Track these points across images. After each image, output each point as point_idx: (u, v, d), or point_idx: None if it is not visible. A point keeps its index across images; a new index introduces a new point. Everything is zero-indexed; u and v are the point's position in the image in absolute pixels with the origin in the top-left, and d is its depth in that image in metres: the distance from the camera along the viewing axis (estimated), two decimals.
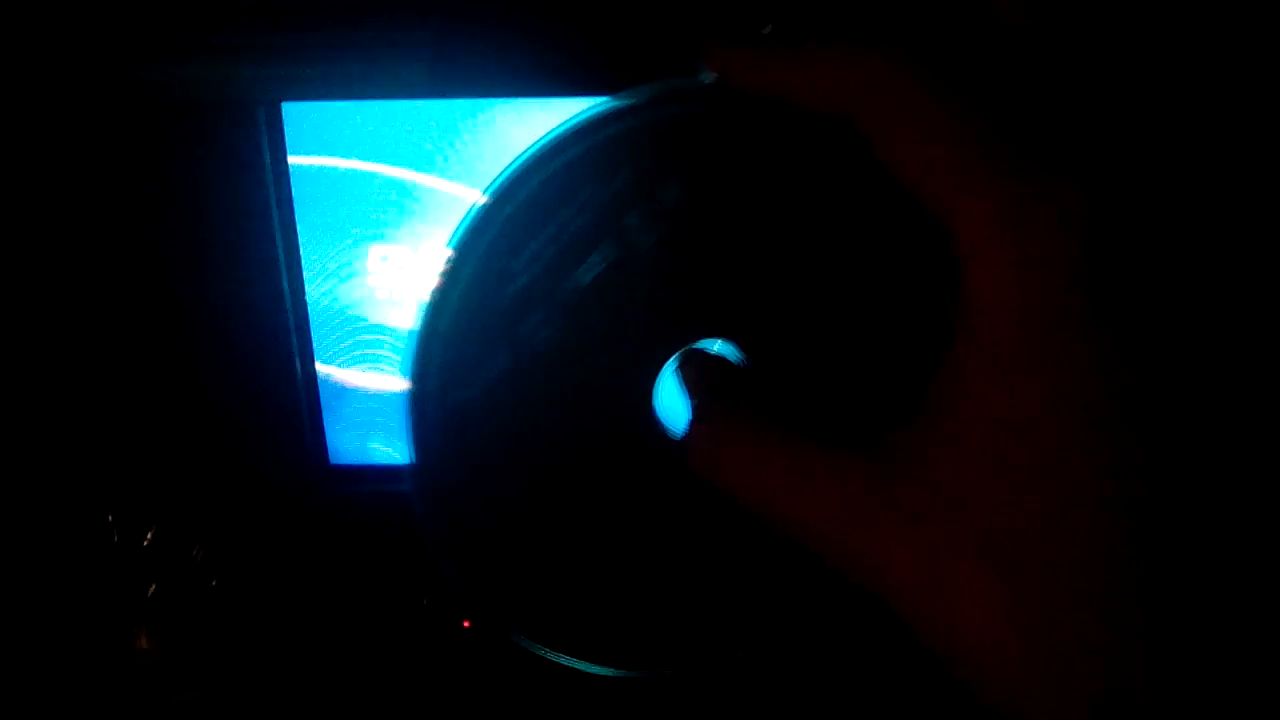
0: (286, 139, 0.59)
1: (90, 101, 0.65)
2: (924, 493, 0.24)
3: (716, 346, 0.30)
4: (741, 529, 0.29)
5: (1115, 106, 0.25)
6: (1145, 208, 0.23)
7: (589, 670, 0.32)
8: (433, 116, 0.59)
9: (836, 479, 0.26)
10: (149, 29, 0.57)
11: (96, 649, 0.73)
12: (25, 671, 0.73)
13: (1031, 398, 0.23)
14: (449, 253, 0.29)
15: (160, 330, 0.63)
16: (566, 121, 0.29)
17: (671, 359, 0.30)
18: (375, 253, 0.62)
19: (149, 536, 0.72)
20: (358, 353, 0.66)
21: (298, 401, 0.66)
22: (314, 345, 0.65)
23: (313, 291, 0.63)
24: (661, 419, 0.31)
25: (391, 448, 0.69)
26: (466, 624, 0.74)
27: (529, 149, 0.29)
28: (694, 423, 0.29)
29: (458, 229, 0.29)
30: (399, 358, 0.32)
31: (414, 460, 0.31)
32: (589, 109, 0.29)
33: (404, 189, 0.60)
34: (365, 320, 0.64)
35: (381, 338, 0.65)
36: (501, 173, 0.29)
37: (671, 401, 0.30)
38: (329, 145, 0.60)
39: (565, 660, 0.32)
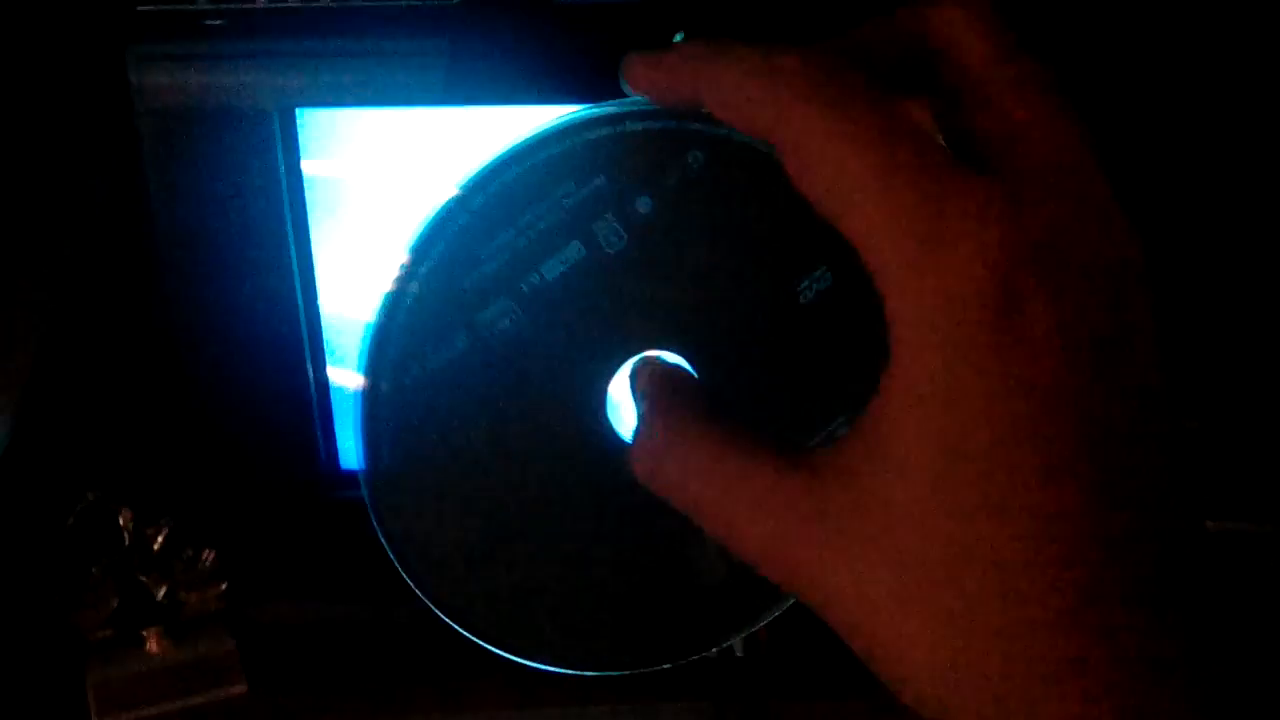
0: (300, 145, 0.59)
1: (103, 107, 0.66)
2: (852, 508, 0.25)
3: (671, 357, 0.31)
4: (691, 530, 0.29)
5: (1030, 137, 0.26)
6: (1058, 237, 0.24)
7: (533, 667, 0.33)
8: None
9: (771, 492, 0.26)
10: (163, 35, 0.57)
11: (105, 652, 0.73)
12: (32, 673, 0.73)
13: (950, 421, 0.24)
14: (409, 247, 0.30)
15: (172, 334, 0.63)
16: (551, 121, 0.30)
17: (627, 364, 0.31)
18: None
19: (160, 540, 0.72)
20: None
21: (309, 406, 0.66)
22: (325, 350, 0.65)
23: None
24: (613, 422, 0.31)
25: None
26: None
27: (509, 145, 0.30)
28: (638, 430, 0.30)
29: (424, 220, 0.30)
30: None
31: (364, 457, 0.31)
32: (575, 111, 0.30)
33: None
34: None
35: None
36: (478, 165, 0.30)
37: (625, 406, 0.31)
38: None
39: (502, 654, 0.33)
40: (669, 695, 0.74)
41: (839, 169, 0.24)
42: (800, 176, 0.25)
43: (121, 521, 0.71)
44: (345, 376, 0.30)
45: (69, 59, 0.74)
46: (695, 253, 0.30)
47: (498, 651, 0.33)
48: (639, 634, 0.33)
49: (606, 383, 0.31)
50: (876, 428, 0.25)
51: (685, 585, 0.32)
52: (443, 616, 0.32)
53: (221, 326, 0.63)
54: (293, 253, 0.61)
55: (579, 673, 0.33)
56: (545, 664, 0.33)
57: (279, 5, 0.57)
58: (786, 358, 0.31)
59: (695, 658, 0.33)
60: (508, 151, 0.30)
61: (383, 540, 0.31)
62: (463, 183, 0.30)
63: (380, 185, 0.61)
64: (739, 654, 0.74)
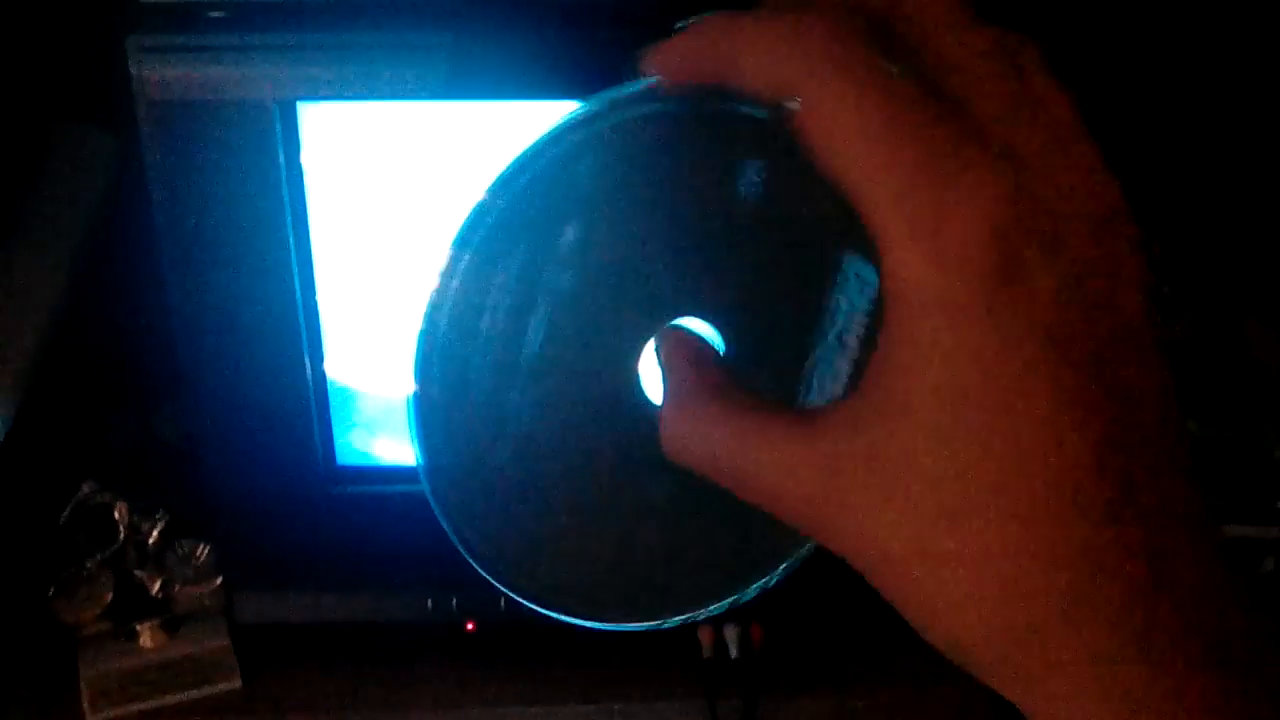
0: (301, 138, 0.59)
1: (101, 102, 0.66)
2: (866, 462, 0.26)
3: (697, 325, 0.32)
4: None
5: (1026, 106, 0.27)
6: (1052, 199, 0.25)
7: (594, 627, 0.34)
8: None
9: (789, 455, 0.28)
10: (164, 26, 0.57)
11: (99, 646, 0.73)
12: (25, 667, 0.73)
13: (955, 373, 0.25)
14: (447, 251, 0.31)
15: (170, 326, 0.63)
16: (578, 108, 0.30)
17: (654, 337, 0.32)
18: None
19: (155, 534, 0.72)
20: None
21: (306, 402, 0.66)
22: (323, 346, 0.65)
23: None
24: (647, 394, 0.32)
25: (399, 449, 0.69)
26: (471, 626, 0.74)
27: (537, 138, 0.31)
28: (664, 405, 0.31)
29: (460, 227, 0.31)
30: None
31: (423, 458, 0.32)
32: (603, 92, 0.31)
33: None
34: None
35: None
36: (508, 160, 0.31)
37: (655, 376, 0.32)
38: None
39: (573, 620, 0.34)
40: (664, 694, 0.74)
41: (850, 139, 0.26)
42: (814, 143, 0.26)
43: (117, 515, 0.71)
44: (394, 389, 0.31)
45: (70, 49, 0.74)
46: (698, 224, 0.31)
47: (566, 619, 0.34)
48: (681, 586, 0.34)
49: (639, 353, 0.32)
50: (882, 383, 0.26)
51: (721, 536, 0.34)
52: (518, 598, 0.33)
53: (220, 319, 0.63)
54: (292, 245, 0.61)
55: (622, 627, 0.34)
56: (611, 623, 0.34)
57: None
58: (790, 311, 0.32)
59: (726, 604, 0.34)
60: (535, 144, 0.31)
61: (450, 533, 0.32)
62: (494, 181, 0.31)
63: (381, 178, 0.61)
64: (733, 654, 0.74)
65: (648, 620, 0.34)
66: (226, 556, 0.73)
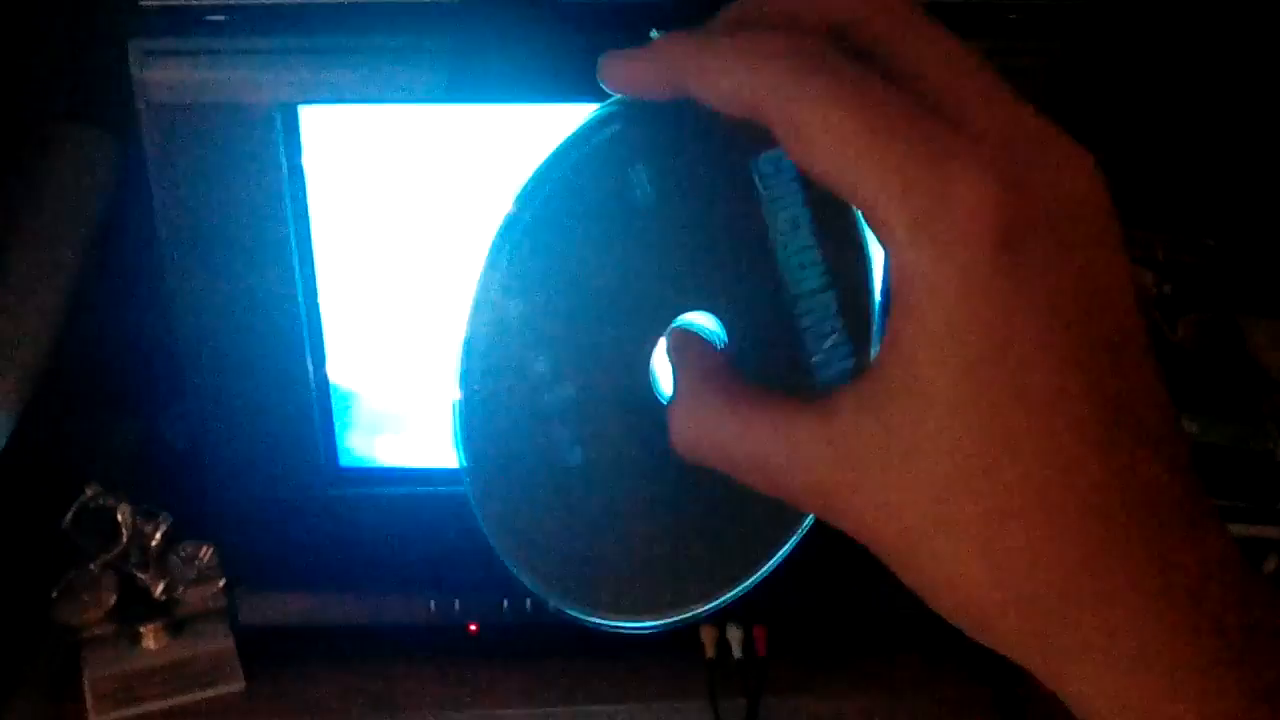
0: (302, 142, 0.60)
1: (104, 106, 0.66)
2: (879, 442, 0.27)
3: (704, 320, 0.33)
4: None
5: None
6: (1041, 185, 0.26)
7: (622, 629, 0.35)
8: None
9: (801, 442, 0.29)
10: (166, 30, 0.57)
11: (102, 648, 0.73)
12: (29, 669, 0.73)
13: (964, 352, 0.26)
14: (484, 259, 0.32)
15: (172, 331, 0.63)
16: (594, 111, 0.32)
17: (664, 336, 0.33)
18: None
19: (158, 536, 0.72)
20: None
21: (309, 404, 0.66)
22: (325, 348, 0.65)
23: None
24: (659, 392, 0.33)
25: (400, 451, 0.69)
26: (473, 628, 0.74)
27: (552, 149, 0.32)
28: (672, 405, 0.32)
29: (493, 236, 0.32)
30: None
31: (466, 461, 0.33)
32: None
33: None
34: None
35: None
36: (531, 169, 0.32)
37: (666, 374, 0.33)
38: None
39: (605, 624, 0.34)
40: (668, 695, 0.75)
41: (840, 142, 0.26)
42: (802, 154, 0.27)
43: (120, 518, 0.71)
44: (445, 389, 0.33)
45: (72, 53, 0.75)
46: (721, 219, 0.32)
47: (598, 622, 0.35)
48: (699, 581, 0.35)
49: (651, 352, 0.33)
50: (892, 367, 0.27)
51: (725, 531, 0.35)
52: (552, 601, 0.34)
53: (222, 322, 0.63)
54: (293, 248, 0.61)
55: (651, 626, 0.35)
56: (626, 623, 0.35)
57: (282, 2, 0.57)
58: (796, 303, 0.32)
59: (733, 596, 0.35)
60: (559, 148, 0.32)
61: (487, 535, 0.34)
62: (519, 191, 0.32)
63: (382, 182, 0.61)
64: (737, 655, 0.74)
65: (669, 617, 0.35)
66: (229, 559, 0.73)
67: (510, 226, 0.32)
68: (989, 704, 0.74)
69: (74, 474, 0.72)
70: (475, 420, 0.33)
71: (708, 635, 0.74)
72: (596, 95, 0.33)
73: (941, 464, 0.27)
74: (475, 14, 0.58)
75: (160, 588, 0.72)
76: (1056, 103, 0.59)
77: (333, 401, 0.67)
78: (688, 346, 0.32)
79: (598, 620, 0.34)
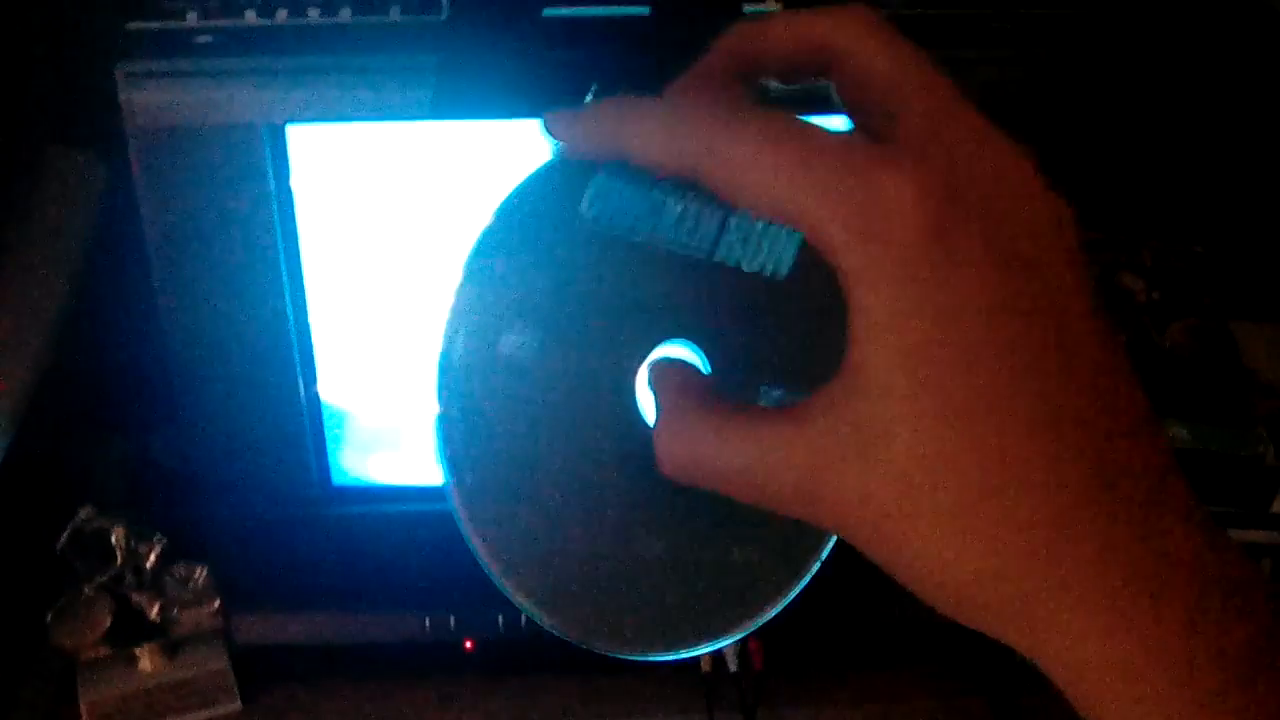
0: (290, 161, 0.60)
1: (92, 128, 0.66)
2: (846, 439, 0.28)
3: (682, 352, 0.34)
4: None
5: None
6: (966, 177, 0.28)
7: (621, 657, 0.34)
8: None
9: (778, 450, 0.30)
10: (153, 52, 0.57)
11: (98, 670, 0.73)
12: (25, 692, 0.73)
13: (909, 342, 0.27)
14: (460, 274, 0.33)
15: (163, 352, 0.64)
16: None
17: (652, 355, 0.33)
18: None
19: (153, 558, 0.72)
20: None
21: (301, 423, 0.66)
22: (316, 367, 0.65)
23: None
24: (645, 416, 0.33)
25: (394, 469, 0.69)
26: (469, 645, 0.74)
27: (535, 168, 0.33)
28: (656, 429, 0.32)
29: (469, 251, 0.33)
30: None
31: (449, 477, 0.33)
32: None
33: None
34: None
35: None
36: (510, 187, 0.33)
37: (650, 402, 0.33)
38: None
39: (601, 649, 0.34)
40: (664, 709, 0.74)
41: (774, 178, 0.28)
42: (744, 198, 0.29)
43: (114, 540, 0.71)
44: (423, 405, 0.33)
45: (60, 77, 0.75)
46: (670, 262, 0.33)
47: (584, 644, 0.34)
48: (705, 614, 0.35)
49: (634, 377, 0.33)
50: (852, 366, 0.28)
51: (732, 562, 0.34)
52: (540, 618, 0.34)
53: (213, 343, 0.63)
54: (283, 267, 0.61)
55: (657, 657, 0.35)
56: (634, 653, 0.35)
57: (268, 22, 0.57)
58: (777, 326, 0.33)
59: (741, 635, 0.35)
60: (542, 168, 0.33)
61: (474, 552, 0.34)
62: (497, 208, 0.33)
63: (370, 199, 0.62)
64: (732, 668, 0.74)
65: (671, 650, 0.35)
66: (224, 579, 0.73)
67: (487, 240, 0.33)
68: (986, 714, 0.74)
69: (67, 496, 0.72)
70: (456, 436, 0.33)
71: None
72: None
73: (906, 452, 0.28)
74: (461, 31, 0.58)
75: (155, 609, 0.72)
76: (1042, 110, 0.59)
77: (325, 420, 0.67)
78: (667, 374, 0.33)
79: (589, 646, 0.34)
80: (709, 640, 0.35)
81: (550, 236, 0.33)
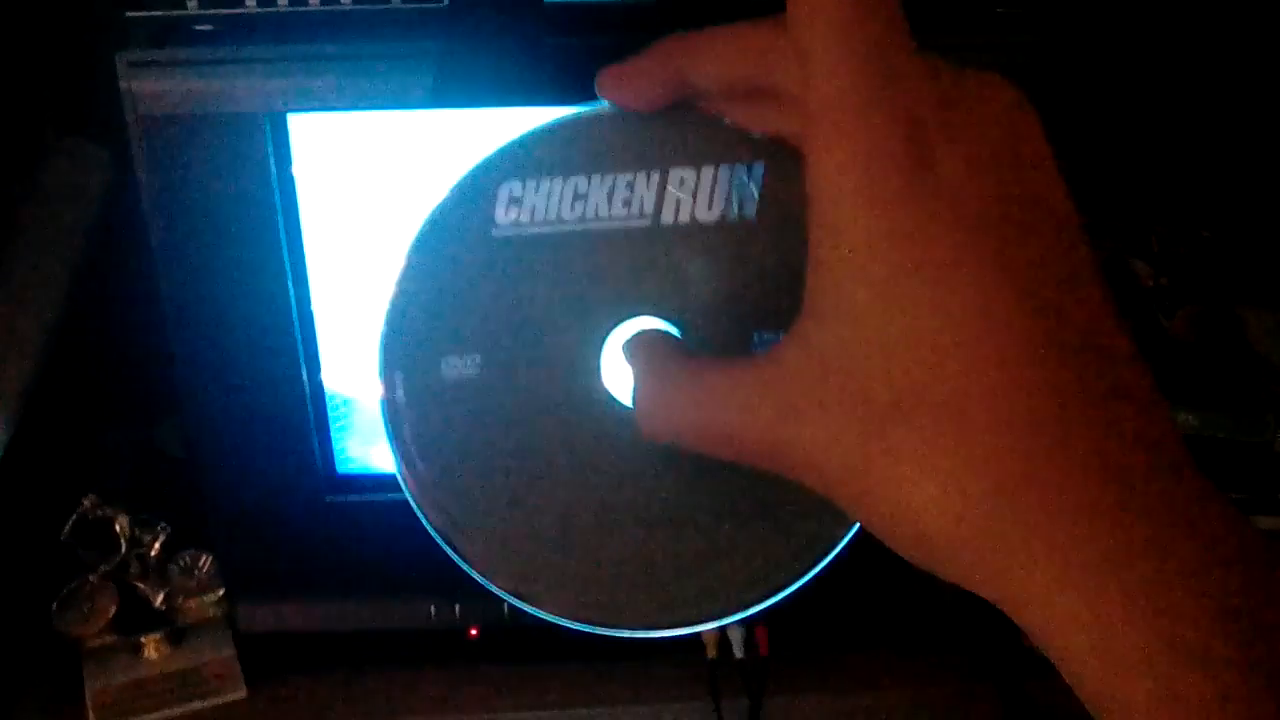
0: (291, 149, 0.59)
1: (95, 116, 0.66)
2: (817, 376, 0.27)
3: (654, 322, 0.33)
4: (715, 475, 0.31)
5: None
6: (948, 98, 0.27)
7: (589, 630, 0.34)
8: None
9: (753, 395, 0.29)
10: (153, 41, 0.57)
11: (103, 659, 0.73)
12: (30, 681, 0.73)
13: (877, 263, 0.26)
14: (404, 256, 0.33)
15: (168, 339, 0.63)
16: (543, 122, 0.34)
17: (616, 332, 0.33)
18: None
19: (157, 546, 0.72)
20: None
21: (305, 411, 0.66)
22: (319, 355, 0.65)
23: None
24: (614, 394, 0.33)
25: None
26: (474, 632, 0.74)
27: (494, 149, 0.34)
28: (635, 393, 0.32)
29: (415, 232, 0.33)
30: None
31: (397, 463, 0.33)
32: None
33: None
34: None
35: None
36: (464, 169, 0.34)
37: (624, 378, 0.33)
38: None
39: (566, 623, 0.34)
40: (669, 695, 0.74)
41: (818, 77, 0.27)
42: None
43: (118, 528, 0.71)
44: (368, 387, 0.32)
45: (62, 64, 0.75)
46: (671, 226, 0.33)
47: (551, 618, 0.34)
48: (684, 593, 0.34)
49: (598, 355, 0.33)
50: (819, 293, 0.27)
51: (726, 540, 0.34)
52: (506, 595, 0.34)
53: (216, 331, 0.63)
54: (286, 256, 0.61)
55: (635, 633, 0.34)
56: (611, 628, 0.34)
57: (268, 10, 0.57)
58: (754, 271, 0.33)
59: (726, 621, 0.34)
60: (494, 154, 0.32)
61: (433, 534, 0.33)
62: (450, 187, 0.32)
63: (372, 187, 0.61)
64: (738, 655, 0.74)
65: (663, 627, 0.34)
66: (229, 567, 0.73)
67: (436, 222, 0.33)
68: (993, 700, 0.74)
69: (71, 485, 0.72)
70: (400, 419, 0.33)
71: (709, 635, 0.74)
72: (583, 97, 0.33)
73: (873, 388, 0.26)
74: (462, 18, 0.57)
75: (160, 598, 0.72)
76: (1047, 95, 0.59)
77: (329, 408, 0.67)
78: (640, 345, 0.32)
79: (581, 626, 0.34)
80: (706, 619, 0.34)
81: (469, 257, 0.32)
